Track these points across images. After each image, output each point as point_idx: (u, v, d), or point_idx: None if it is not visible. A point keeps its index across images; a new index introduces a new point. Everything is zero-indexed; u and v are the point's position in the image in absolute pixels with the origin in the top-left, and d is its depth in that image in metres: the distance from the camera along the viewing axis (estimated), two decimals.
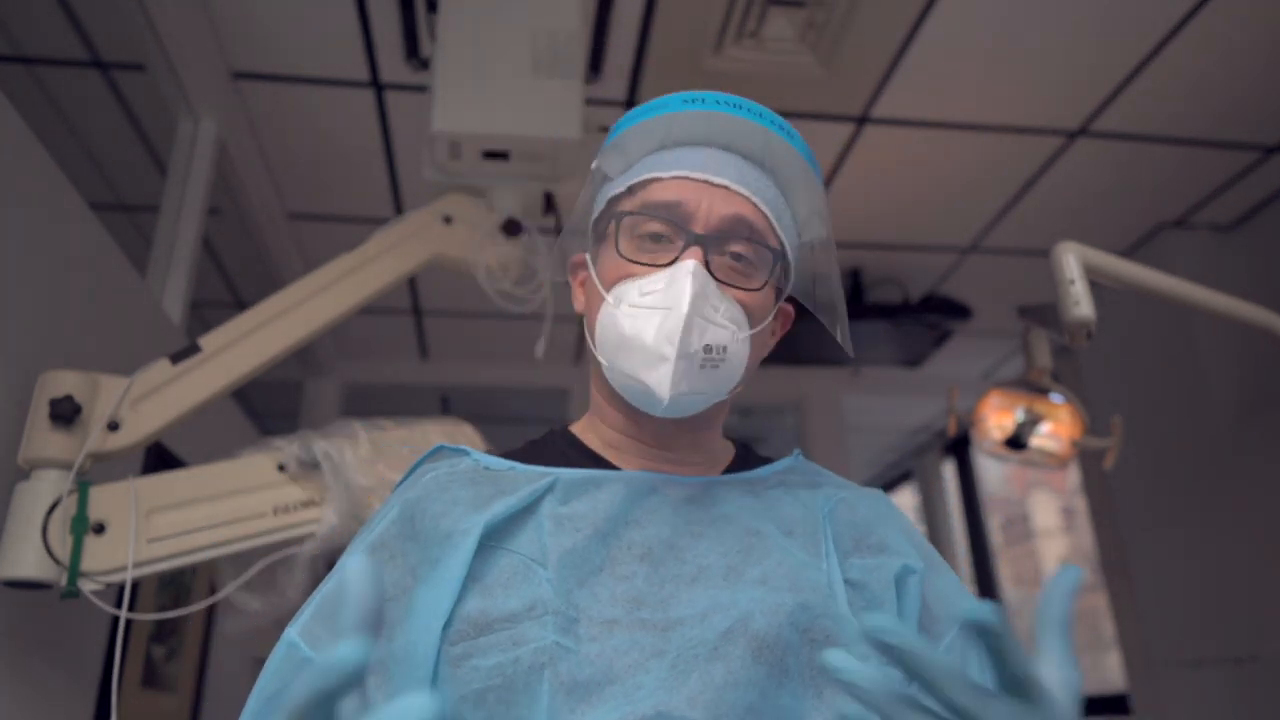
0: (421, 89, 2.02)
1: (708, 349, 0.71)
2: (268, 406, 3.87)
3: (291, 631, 0.69)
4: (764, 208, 0.77)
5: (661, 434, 0.78)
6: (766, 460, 0.85)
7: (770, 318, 0.78)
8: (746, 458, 0.85)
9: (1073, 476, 4.04)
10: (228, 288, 3.10)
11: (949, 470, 4.73)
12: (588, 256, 0.82)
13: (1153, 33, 2.10)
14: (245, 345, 1.47)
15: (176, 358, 1.41)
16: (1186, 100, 2.33)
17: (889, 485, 5.47)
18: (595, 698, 0.61)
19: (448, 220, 1.73)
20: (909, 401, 4.19)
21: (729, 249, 0.75)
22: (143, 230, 2.42)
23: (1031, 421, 2.10)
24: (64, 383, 1.29)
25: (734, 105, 0.78)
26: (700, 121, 0.78)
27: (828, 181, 2.66)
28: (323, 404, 3.65)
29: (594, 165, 0.83)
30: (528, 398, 4.06)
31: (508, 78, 1.70)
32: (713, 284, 0.72)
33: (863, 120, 2.39)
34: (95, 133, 2.32)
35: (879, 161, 2.57)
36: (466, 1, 1.76)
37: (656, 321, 0.71)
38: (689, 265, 0.71)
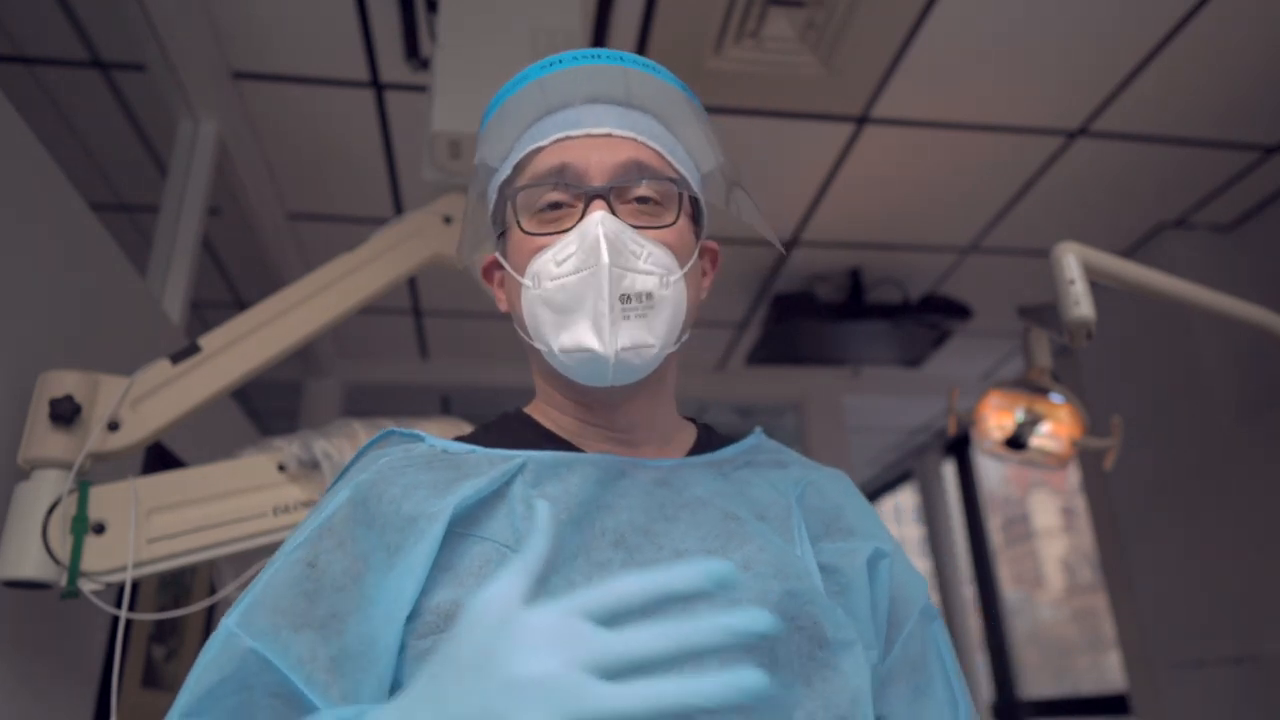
0: (421, 89, 2.02)
1: (625, 298, 0.68)
2: (268, 406, 3.87)
3: (229, 621, 0.63)
4: (653, 144, 0.74)
5: (613, 414, 0.75)
6: (728, 440, 0.83)
7: (696, 255, 0.75)
8: (709, 438, 0.82)
9: (1073, 476, 4.03)
10: (228, 288, 3.10)
11: (949, 470, 4.73)
12: (498, 255, 0.79)
13: (1153, 33, 2.10)
14: (245, 345, 1.47)
15: (176, 358, 1.41)
16: (1186, 100, 2.33)
17: (889, 485, 5.47)
18: None
19: (448, 220, 1.73)
20: (909, 401, 4.19)
21: (631, 195, 0.72)
22: (143, 230, 2.42)
23: (1031, 421, 2.09)
24: (64, 383, 1.29)
25: (592, 56, 0.75)
26: (564, 82, 0.75)
27: (827, 181, 2.66)
28: (323, 404, 3.65)
29: (476, 162, 0.80)
30: (527, 398, 4.05)
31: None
32: (628, 230, 0.69)
33: (863, 120, 2.39)
34: (95, 133, 2.32)
35: (879, 161, 2.57)
36: (466, 1, 1.75)
37: (586, 281, 0.68)
38: (596, 216, 0.69)
